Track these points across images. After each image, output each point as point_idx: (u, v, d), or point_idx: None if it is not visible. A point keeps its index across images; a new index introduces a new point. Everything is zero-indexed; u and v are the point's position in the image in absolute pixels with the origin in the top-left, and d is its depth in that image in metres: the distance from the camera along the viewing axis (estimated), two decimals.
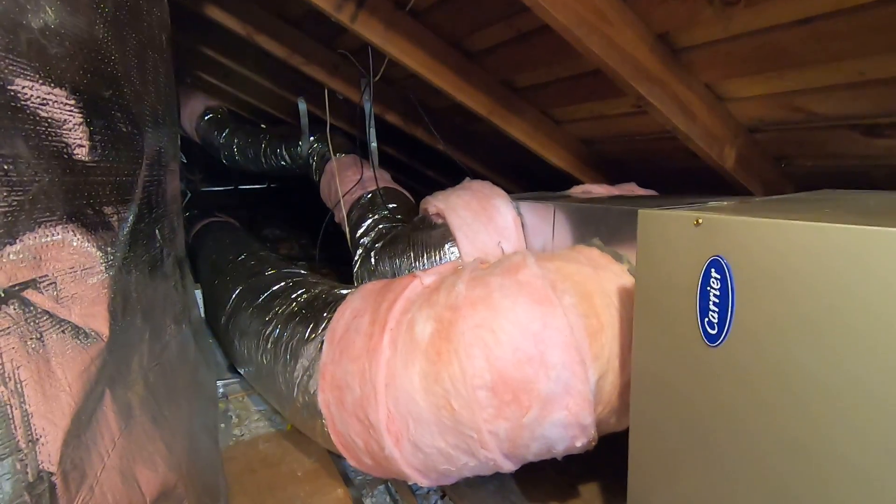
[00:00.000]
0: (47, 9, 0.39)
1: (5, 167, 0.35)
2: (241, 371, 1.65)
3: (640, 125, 1.52)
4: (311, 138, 2.51)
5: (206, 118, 3.11)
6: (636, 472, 0.83)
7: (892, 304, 0.49)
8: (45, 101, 0.40)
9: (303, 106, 2.47)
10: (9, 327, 0.35)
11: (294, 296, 1.46)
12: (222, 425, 1.62)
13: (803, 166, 1.36)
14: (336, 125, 2.40)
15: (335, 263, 3.13)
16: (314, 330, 1.23)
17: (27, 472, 0.35)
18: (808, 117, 1.17)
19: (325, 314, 1.25)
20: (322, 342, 1.16)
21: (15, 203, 0.36)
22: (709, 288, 0.63)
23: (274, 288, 1.58)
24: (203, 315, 1.93)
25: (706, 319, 0.64)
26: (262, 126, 3.05)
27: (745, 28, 1.00)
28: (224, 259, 2.15)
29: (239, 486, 1.31)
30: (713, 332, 0.64)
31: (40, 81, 0.39)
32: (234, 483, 1.31)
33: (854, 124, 1.14)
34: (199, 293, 1.95)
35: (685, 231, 0.67)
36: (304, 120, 2.49)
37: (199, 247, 2.63)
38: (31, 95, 0.39)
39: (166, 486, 0.57)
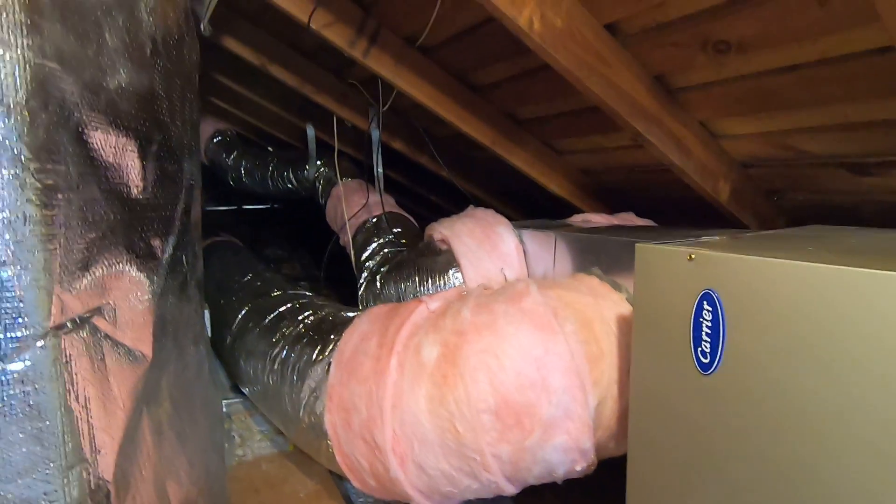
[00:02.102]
0: (121, 70, 0.44)
1: (84, 209, 0.40)
2: (246, 391, 1.67)
3: (637, 158, 1.58)
4: (318, 163, 2.58)
5: (215, 140, 3.19)
6: (634, 496, 0.86)
7: (872, 339, 0.53)
8: (114, 150, 0.45)
9: (311, 132, 2.54)
10: (82, 350, 0.39)
11: (301, 317, 1.49)
12: (225, 445, 1.63)
13: (795, 200, 1.42)
14: (343, 151, 2.47)
15: (336, 284, 3.16)
16: (322, 352, 1.27)
17: (90, 481, 0.39)
18: (799, 155, 1.23)
19: (332, 336, 1.29)
20: (329, 364, 1.19)
21: (90, 240, 0.41)
22: (701, 319, 0.68)
23: (281, 309, 1.62)
24: (209, 335, 1.95)
25: (699, 349, 0.68)
26: (270, 149, 3.12)
27: (737, 72, 1.06)
28: (230, 279, 2.18)
29: None
30: (706, 360, 0.68)
31: (111, 132, 0.44)
32: (237, 503, 1.33)
33: (842, 163, 1.19)
34: (207, 313, 1.98)
35: (679, 265, 0.71)
36: (312, 145, 2.56)
37: (204, 266, 2.67)
38: (105, 145, 0.44)
39: (189, 499, 0.60)
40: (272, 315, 1.61)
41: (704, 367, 0.68)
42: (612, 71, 1.14)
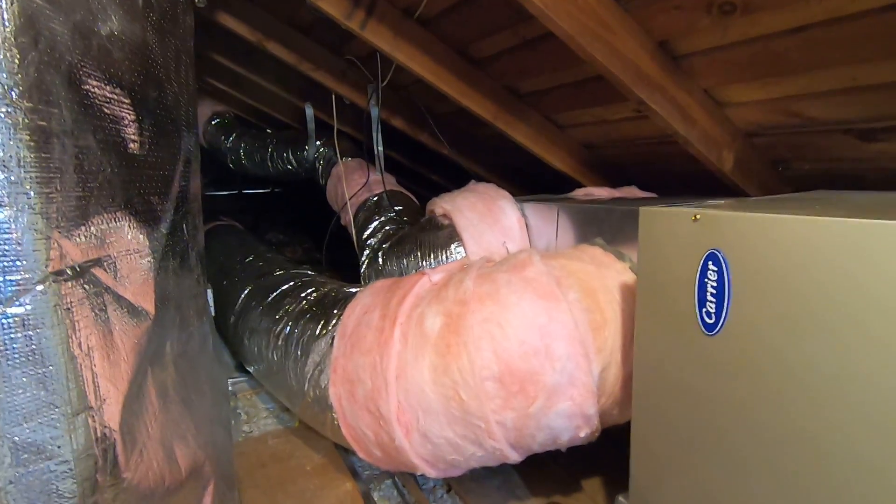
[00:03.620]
0: (112, 17, 0.43)
1: (80, 157, 0.39)
2: (251, 369, 1.68)
3: (641, 130, 1.56)
4: (318, 143, 2.56)
5: (213, 123, 3.17)
6: (638, 461, 0.87)
7: (880, 290, 0.52)
8: (108, 100, 0.44)
9: (309, 111, 2.52)
10: (83, 298, 0.39)
11: (304, 294, 1.50)
12: (232, 422, 1.65)
13: (800, 170, 1.40)
14: (343, 130, 2.45)
15: (339, 267, 3.17)
16: (325, 326, 1.27)
17: (96, 429, 0.39)
18: (805, 122, 1.21)
19: (335, 311, 1.29)
20: (333, 338, 1.20)
21: (88, 189, 0.40)
22: (706, 280, 0.67)
23: (283, 287, 1.62)
24: (213, 314, 1.96)
25: (704, 310, 0.68)
26: (269, 131, 3.10)
27: (742, 36, 1.04)
28: (232, 261, 2.19)
29: (250, 479, 1.34)
30: (710, 321, 0.67)
31: (105, 82, 0.44)
32: (245, 477, 1.35)
33: (848, 129, 1.17)
34: (209, 292, 1.98)
35: (684, 226, 0.71)
36: (311, 125, 2.54)
37: (206, 249, 2.67)
38: (99, 94, 0.43)
39: (196, 462, 0.60)
40: (275, 293, 1.61)
41: (709, 328, 0.68)
42: (616, 37, 1.12)
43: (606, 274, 1.03)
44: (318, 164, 2.58)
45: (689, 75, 1.22)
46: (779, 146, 1.35)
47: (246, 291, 1.79)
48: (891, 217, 0.52)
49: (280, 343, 1.40)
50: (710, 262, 0.67)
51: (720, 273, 0.66)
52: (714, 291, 0.67)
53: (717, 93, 1.25)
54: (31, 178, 0.35)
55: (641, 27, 1.13)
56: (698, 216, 0.69)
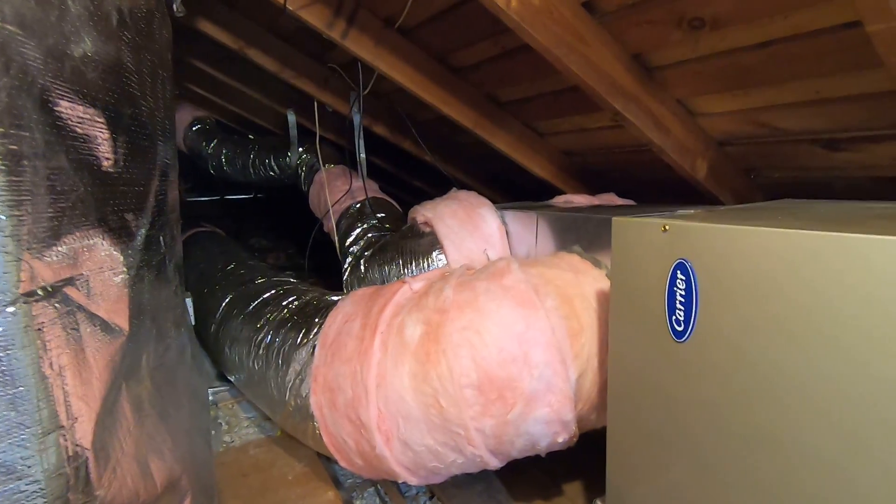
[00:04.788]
0: (86, 39, 0.44)
1: (52, 178, 0.40)
2: (232, 378, 1.67)
3: (618, 138, 1.60)
4: (300, 149, 2.56)
5: (193, 128, 3.13)
6: (614, 465, 0.89)
7: (838, 298, 0.55)
8: (81, 120, 0.44)
9: (292, 118, 2.51)
10: (55, 318, 0.39)
11: (285, 303, 1.49)
12: (213, 432, 1.63)
13: (770, 177, 1.45)
14: (325, 136, 2.45)
15: (322, 273, 3.16)
16: (306, 335, 1.27)
17: (68, 448, 0.39)
18: (773, 132, 1.25)
19: (316, 320, 1.29)
20: (314, 347, 1.20)
21: (59, 209, 0.40)
22: (675, 288, 0.69)
23: (265, 295, 1.61)
24: (192, 323, 1.94)
25: (673, 317, 0.70)
26: (251, 137, 3.08)
27: (712, 49, 1.08)
28: (213, 268, 2.17)
29: (231, 489, 1.33)
30: (680, 328, 0.70)
31: (78, 102, 0.44)
32: (225, 487, 1.33)
33: (815, 139, 1.22)
34: (189, 301, 1.96)
35: (654, 237, 0.73)
36: (293, 131, 2.53)
37: (187, 256, 2.63)
38: (72, 115, 0.43)
39: (172, 476, 0.60)
40: (256, 302, 1.60)
41: (678, 335, 0.70)
42: (591, 49, 1.14)
43: (583, 281, 1.05)
44: (300, 171, 2.58)
45: (662, 86, 1.25)
46: (750, 155, 1.39)
47: (227, 300, 1.78)
48: (847, 229, 0.55)
49: (261, 352, 1.39)
50: (678, 272, 0.69)
51: (688, 282, 0.68)
52: (683, 299, 0.69)
53: (689, 103, 1.29)
54: (1, 201, 0.35)
55: (616, 40, 1.16)
56: (667, 227, 0.71)
